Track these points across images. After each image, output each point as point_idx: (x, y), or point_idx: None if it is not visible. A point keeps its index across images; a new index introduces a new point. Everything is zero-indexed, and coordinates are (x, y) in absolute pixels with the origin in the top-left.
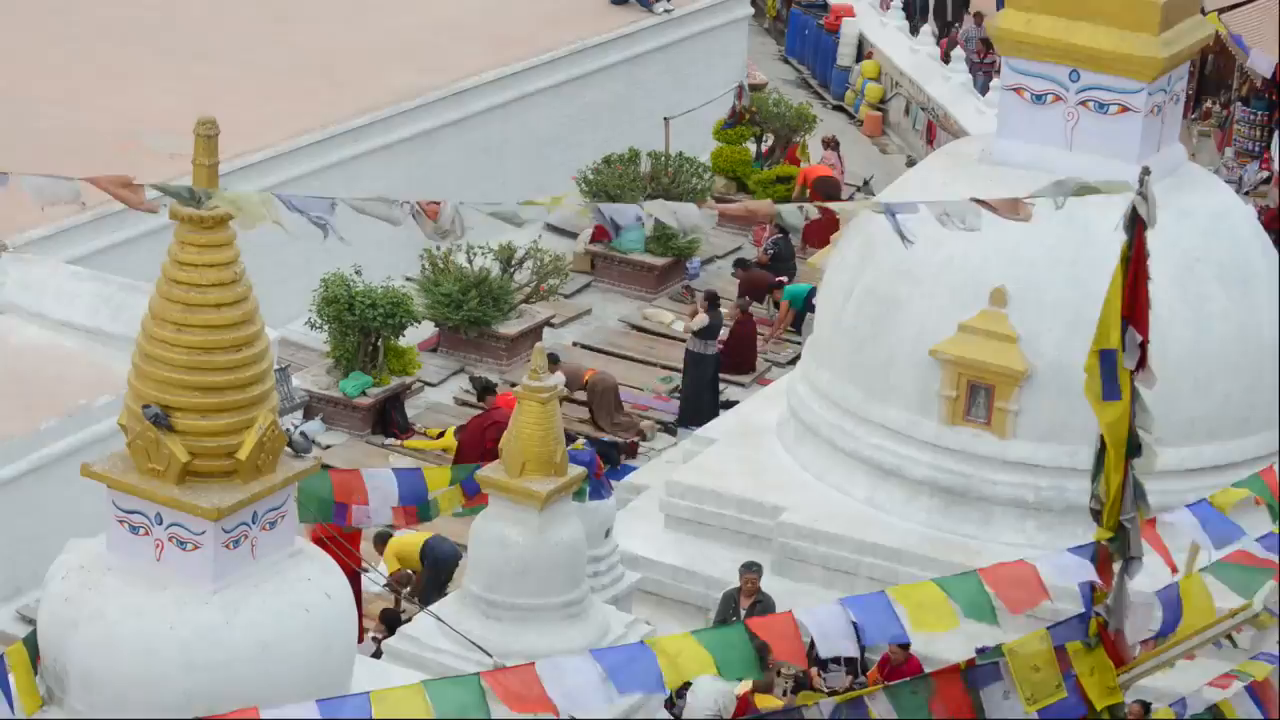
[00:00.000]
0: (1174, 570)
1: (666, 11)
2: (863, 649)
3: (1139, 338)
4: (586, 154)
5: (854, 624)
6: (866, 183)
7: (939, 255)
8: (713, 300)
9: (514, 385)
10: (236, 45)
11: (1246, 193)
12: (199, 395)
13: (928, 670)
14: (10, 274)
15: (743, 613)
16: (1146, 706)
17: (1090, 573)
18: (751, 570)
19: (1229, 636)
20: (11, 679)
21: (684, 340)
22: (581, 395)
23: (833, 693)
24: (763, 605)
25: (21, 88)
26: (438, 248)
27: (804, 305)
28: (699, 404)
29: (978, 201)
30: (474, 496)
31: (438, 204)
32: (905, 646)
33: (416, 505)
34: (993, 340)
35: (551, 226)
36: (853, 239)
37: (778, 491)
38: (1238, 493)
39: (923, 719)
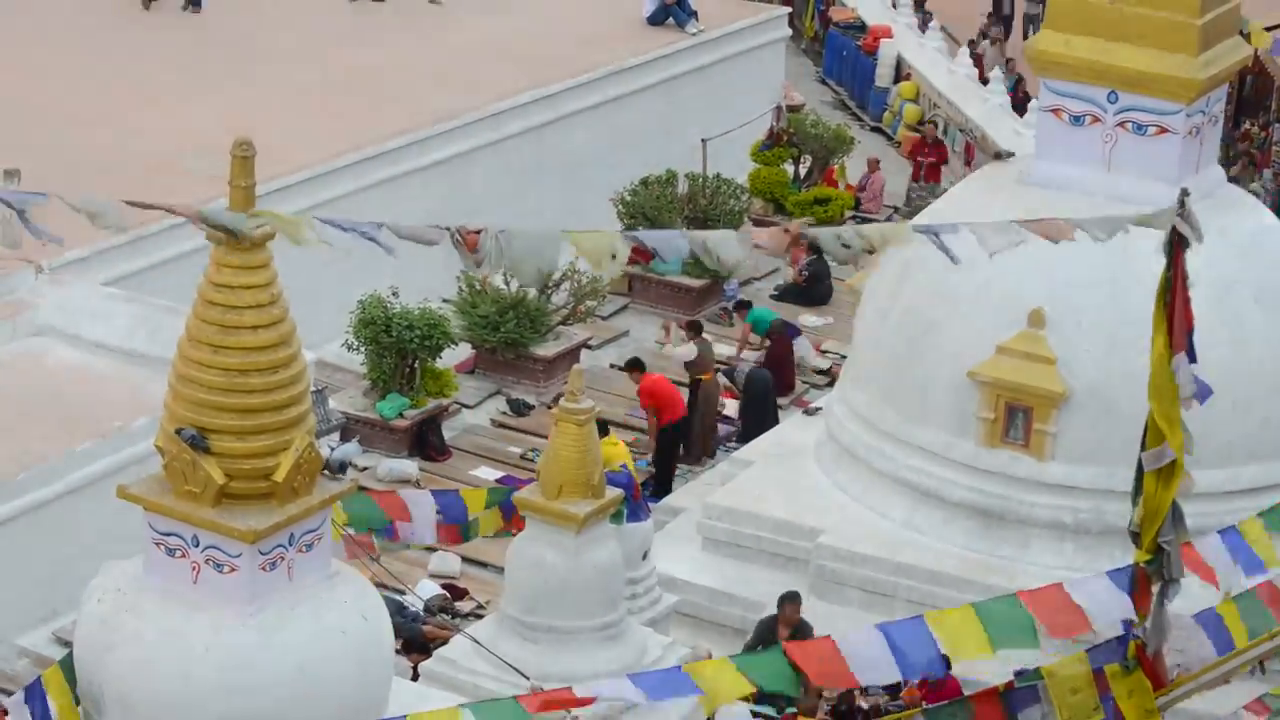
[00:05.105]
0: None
1: (700, 30)
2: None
3: (1186, 360)
4: (623, 175)
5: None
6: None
7: (977, 277)
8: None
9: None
10: (274, 67)
11: None
12: (235, 417)
13: (966, 691)
14: (47, 295)
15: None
16: None
17: (1127, 609)
18: (792, 601)
19: (1260, 662)
20: (52, 705)
21: (723, 364)
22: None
23: (871, 712)
24: (802, 636)
25: (60, 109)
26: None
27: (766, 331)
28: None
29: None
30: (512, 519)
31: (478, 232)
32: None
33: (458, 525)
34: (1031, 362)
35: None
36: (890, 261)
37: (815, 514)
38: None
39: None
